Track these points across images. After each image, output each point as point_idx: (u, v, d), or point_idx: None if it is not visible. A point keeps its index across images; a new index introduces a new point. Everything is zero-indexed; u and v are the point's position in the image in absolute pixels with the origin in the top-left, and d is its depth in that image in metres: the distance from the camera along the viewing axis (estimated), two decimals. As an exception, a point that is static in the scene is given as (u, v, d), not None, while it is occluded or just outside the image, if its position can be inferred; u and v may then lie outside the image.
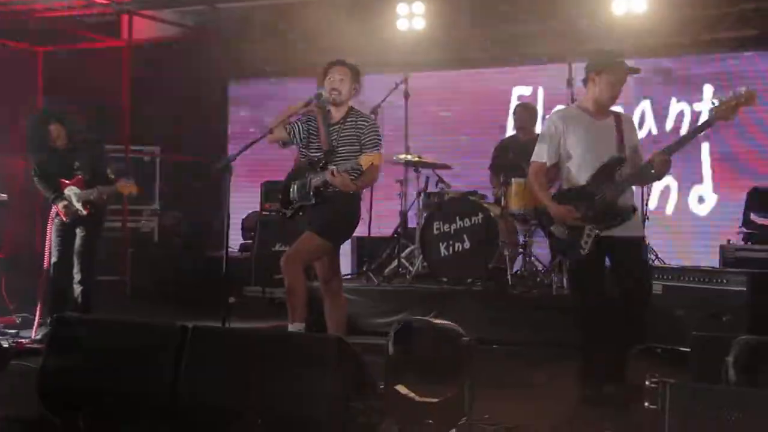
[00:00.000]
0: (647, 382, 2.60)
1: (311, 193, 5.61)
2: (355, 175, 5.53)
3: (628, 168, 5.10)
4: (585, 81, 5.22)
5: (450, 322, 4.35)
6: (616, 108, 5.33)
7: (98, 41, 10.54)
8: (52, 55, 10.49)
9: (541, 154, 5.26)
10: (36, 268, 7.12)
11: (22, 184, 8.73)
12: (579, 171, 5.19)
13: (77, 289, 6.75)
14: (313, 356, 4.10)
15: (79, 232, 6.81)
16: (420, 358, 4.00)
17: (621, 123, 5.25)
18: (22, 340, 6.36)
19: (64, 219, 6.70)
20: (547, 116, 5.56)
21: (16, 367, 5.19)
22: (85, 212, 6.65)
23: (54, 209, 6.75)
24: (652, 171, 5.14)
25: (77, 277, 6.76)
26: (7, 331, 6.12)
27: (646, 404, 2.57)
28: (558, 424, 4.33)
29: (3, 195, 6.94)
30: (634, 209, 5.16)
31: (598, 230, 5.03)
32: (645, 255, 5.76)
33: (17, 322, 6.90)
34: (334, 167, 5.43)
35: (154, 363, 4.19)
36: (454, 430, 3.86)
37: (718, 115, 4.97)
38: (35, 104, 9.89)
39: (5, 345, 5.65)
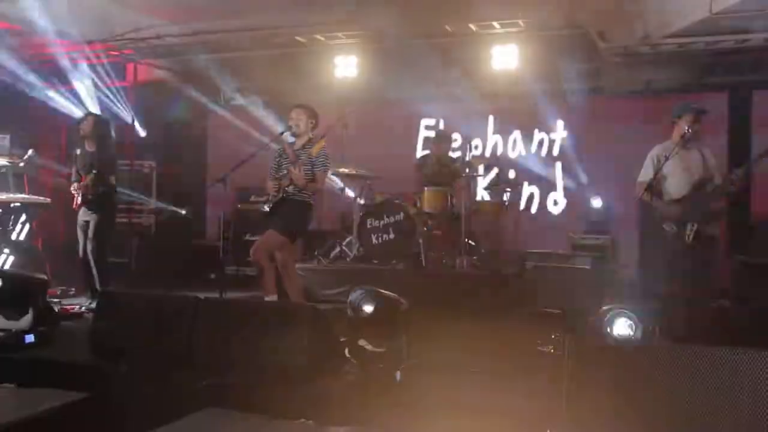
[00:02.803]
0: (552, 336, 2.74)
1: (279, 194, 5.73)
2: (309, 177, 5.67)
3: (714, 182, 5.27)
4: (672, 122, 5.45)
5: (392, 293, 4.51)
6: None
7: (109, 82, 10.36)
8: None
9: (646, 175, 5.40)
10: (67, 254, 7.01)
11: (51, 190, 8.57)
12: (677, 186, 5.33)
13: (94, 269, 6.62)
14: (294, 318, 4.20)
15: (91, 226, 6.63)
16: (372, 319, 4.14)
17: (702, 152, 5.40)
18: (66, 307, 6.25)
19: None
20: (652, 150, 5.57)
21: (65, 327, 5.14)
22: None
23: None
24: (732, 185, 5.20)
25: (92, 261, 6.62)
26: (52, 300, 6.02)
27: (552, 349, 2.71)
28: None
29: (47, 199, 6.78)
30: (723, 212, 5.32)
31: (698, 226, 5.14)
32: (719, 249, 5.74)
33: (58, 293, 6.78)
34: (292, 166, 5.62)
35: (176, 323, 4.25)
36: (398, 371, 3.94)
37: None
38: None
39: (56, 310, 5.59)
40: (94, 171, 6.43)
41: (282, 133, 5.96)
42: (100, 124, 6.74)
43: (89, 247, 6.60)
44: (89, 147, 6.71)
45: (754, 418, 2.49)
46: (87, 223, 6.65)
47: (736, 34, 7.94)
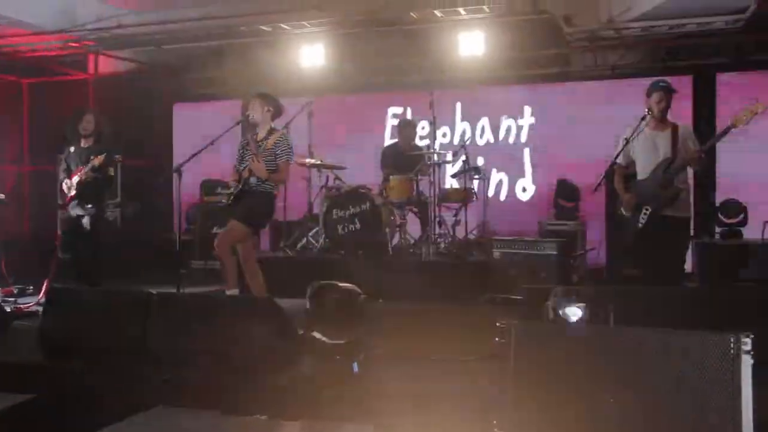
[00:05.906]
0: (498, 324, 2.64)
1: (240, 185, 5.65)
2: (272, 168, 5.58)
3: (677, 164, 5.04)
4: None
5: (350, 284, 4.41)
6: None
7: (71, 74, 10.19)
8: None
9: (619, 159, 5.27)
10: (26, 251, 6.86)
11: (13, 185, 8.41)
12: (644, 168, 5.20)
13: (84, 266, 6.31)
14: (249, 312, 4.15)
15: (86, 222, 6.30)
16: (329, 311, 4.06)
17: (677, 132, 5.14)
18: (21, 306, 6.07)
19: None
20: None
21: (18, 326, 5.03)
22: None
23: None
24: (689, 164, 5.05)
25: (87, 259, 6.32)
26: (7, 299, 5.85)
27: (497, 339, 2.62)
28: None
29: (1, 195, 6.57)
30: (678, 194, 5.05)
31: (652, 210, 5.04)
32: (686, 231, 5.42)
33: (15, 292, 6.62)
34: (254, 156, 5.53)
35: (128, 319, 4.16)
36: (356, 362, 3.85)
37: (737, 121, 4.78)
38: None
39: (8, 309, 5.43)
40: (104, 152, 6.06)
41: (238, 123, 5.86)
42: (100, 120, 6.50)
43: (83, 245, 6.26)
44: (85, 144, 6.40)
45: (700, 400, 2.45)
46: (80, 218, 6.28)
47: (699, 17, 7.96)
